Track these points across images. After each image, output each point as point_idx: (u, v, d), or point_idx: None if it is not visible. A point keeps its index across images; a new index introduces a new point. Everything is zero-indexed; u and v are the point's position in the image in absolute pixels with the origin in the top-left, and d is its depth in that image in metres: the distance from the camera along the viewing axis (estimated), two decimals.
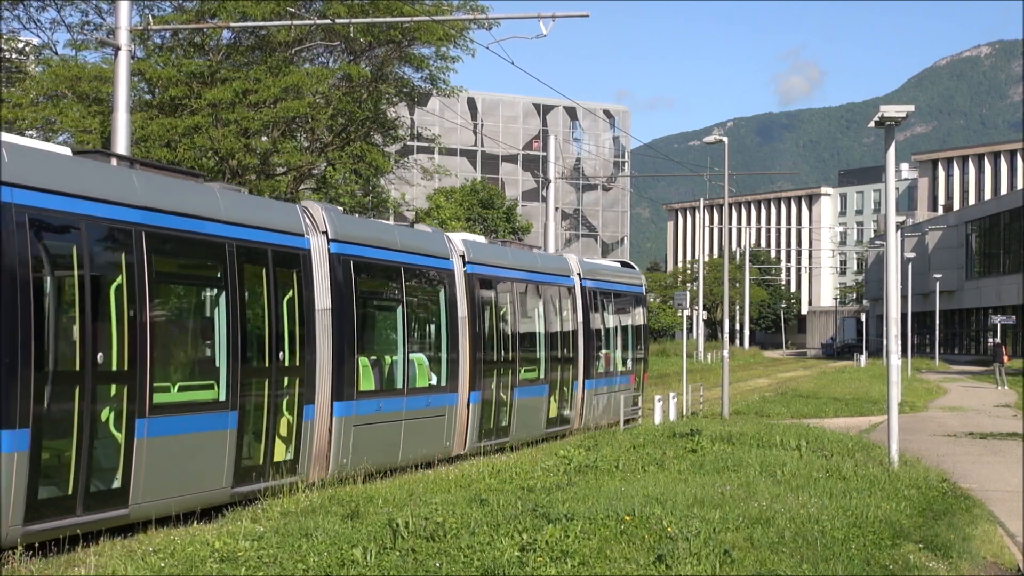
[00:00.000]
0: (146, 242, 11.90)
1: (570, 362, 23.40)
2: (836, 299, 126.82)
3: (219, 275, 13.20)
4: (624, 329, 26.86)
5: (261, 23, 30.23)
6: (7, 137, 10.78)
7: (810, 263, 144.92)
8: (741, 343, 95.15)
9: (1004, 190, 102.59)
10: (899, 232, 56.60)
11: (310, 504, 12.22)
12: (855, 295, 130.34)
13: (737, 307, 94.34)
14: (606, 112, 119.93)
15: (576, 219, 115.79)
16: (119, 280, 11.61)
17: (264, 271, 13.94)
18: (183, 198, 12.77)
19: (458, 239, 19.25)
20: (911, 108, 16.23)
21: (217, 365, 13.11)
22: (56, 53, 34.08)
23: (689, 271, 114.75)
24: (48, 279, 10.73)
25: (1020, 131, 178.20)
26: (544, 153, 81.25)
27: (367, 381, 15.90)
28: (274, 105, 31.11)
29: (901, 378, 33.79)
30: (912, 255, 60.86)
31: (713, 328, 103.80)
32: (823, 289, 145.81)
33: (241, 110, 30.72)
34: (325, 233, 15.23)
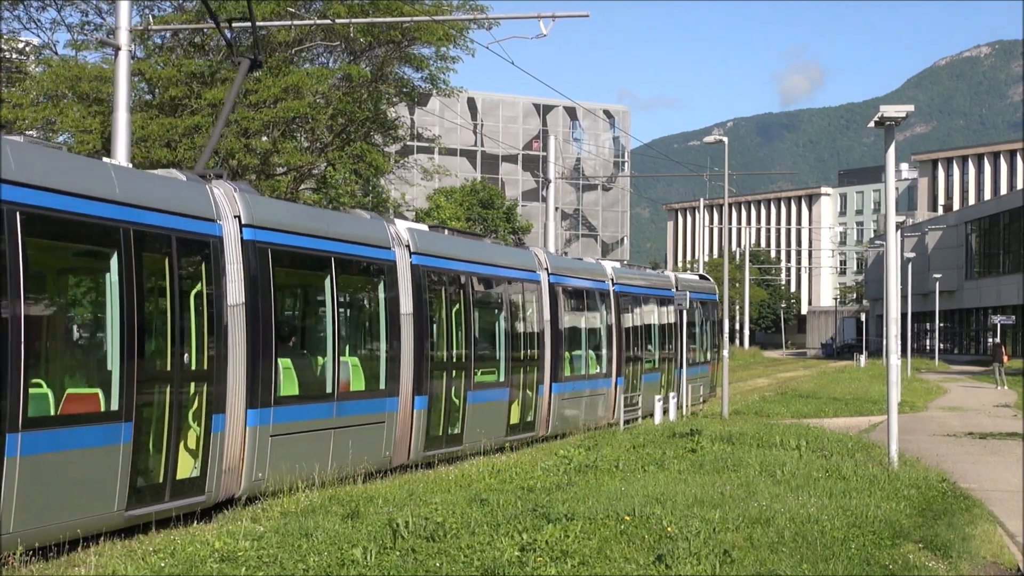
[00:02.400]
0: (20, 224, 10.09)
1: (535, 363, 21.92)
2: (836, 299, 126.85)
3: (112, 265, 11.31)
4: (593, 330, 25.30)
5: (261, 23, 30.23)
6: None
7: (810, 263, 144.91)
8: (741, 343, 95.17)
9: (1004, 190, 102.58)
10: (899, 232, 56.61)
11: (310, 504, 12.22)
12: (855, 295, 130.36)
13: (737, 307, 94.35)
14: (606, 112, 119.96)
15: (576, 219, 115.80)
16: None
17: (167, 261, 12.14)
18: (70, 174, 10.99)
19: (403, 227, 17.59)
20: (911, 108, 16.23)
21: (108, 368, 11.27)
22: (56, 53, 34.09)
23: (689, 271, 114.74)
24: None
25: (1020, 131, 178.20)
26: (544, 153, 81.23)
27: (288, 386, 14.16)
28: (274, 105, 31.11)
29: (901, 378, 33.80)
30: (912, 255, 60.87)
31: None
32: (823, 289, 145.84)
33: (241, 110, 30.73)
34: (238, 217, 13.36)
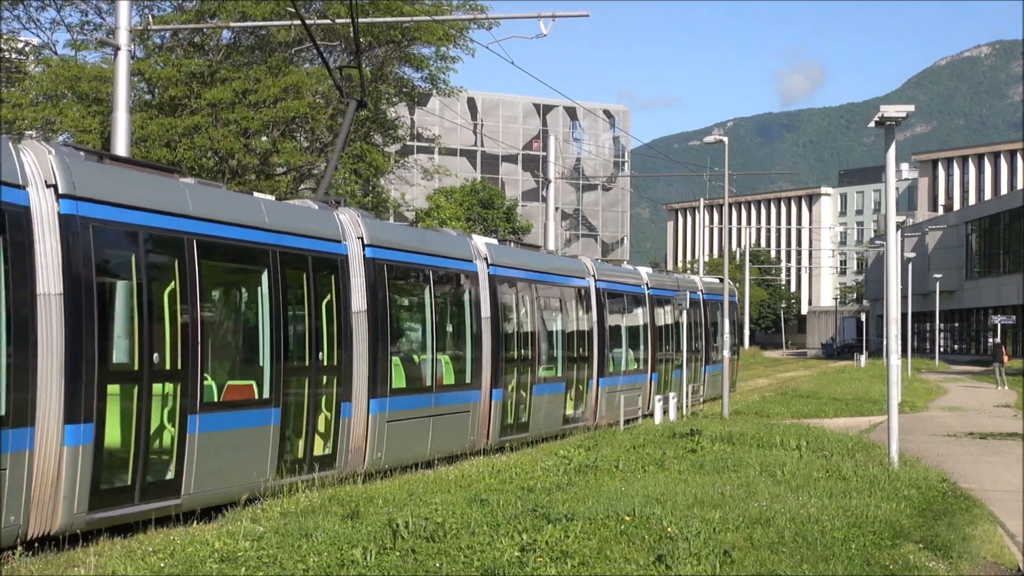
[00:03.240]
0: (197, 250, 12.55)
1: (585, 361, 24.29)
2: (836, 299, 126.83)
3: (263, 280, 13.85)
4: (632, 330, 27.81)
5: (261, 23, 30.25)
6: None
7: (810, 263, 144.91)
8: (741, 343, 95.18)
9: (1004, 190, 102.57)
10: (899, 232, 56.59)
11: (310, 504, 12.22)
12: (855, 295, 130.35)
13: (737, 307, 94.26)
14: (606, 112, 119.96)
15: (576, 219, 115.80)
16: (172, 286, 12.31)
17: (304, 276, 14.56)
18: (233, 209, 13.58)
19: (481, 242, 20.05)
20: (911, 108, 16.23)
21: (261, 364, 13.80)
22: (56, 53, 34.09)
23: (689, 271, 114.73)
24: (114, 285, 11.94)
25: (1020, 131, 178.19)
26: (544, 153, 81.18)
27: (399, 379, 16.63)
28: (274, 105, 31.12)
29: (901, 378, 33.79)
30: (912, 255, 60.86)
31: None
32: (823, 289, 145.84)
33: (241, 110, 30.73)
34: (361, 239, 15.83)
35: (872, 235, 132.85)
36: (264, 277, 13.73)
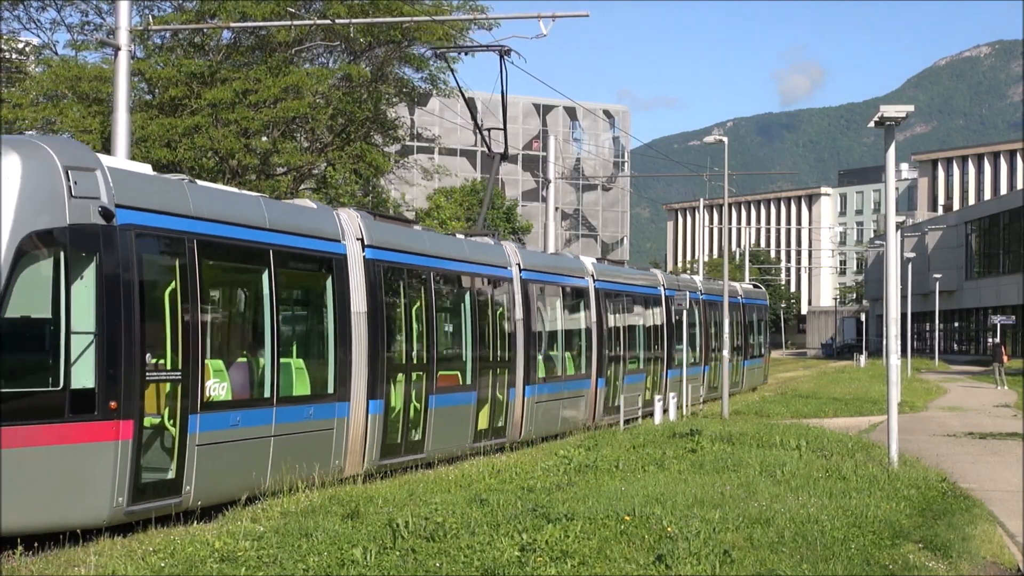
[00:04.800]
0: (433, 278, 17.99)
1: (658, 357, 29.46)
2: (836, 299, 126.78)
3: (465, 299, 19.25)
4: (692, 327, 31.09)
5: (261, 23, 30.24)
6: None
7: (810, 263, 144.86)
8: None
9: (1004, 190, 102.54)
10: (899, 232, 56.58)
11: (310, 504, 12.21)
12: (855, 295, 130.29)
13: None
14: (606, 112, 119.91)
15: (576, 219, 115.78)
16: (419, 304, 17.51)
17: (479, 293, 19.75)
18: (447, 244, 19.26)
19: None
20: (911, 108, 16.23)
21: (463, 359, 18.82)
22: (56, 53, 34.09)
23: (689, 271, 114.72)
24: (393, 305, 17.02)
25: (1020, 131, 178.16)
26: (544, 153, 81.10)
27: (542, 370, 21.77)
28: (274, 105, 31.12)
29: (901, 378, 33.79)
30: (912, 255, 60.83)
31: None
32: (823, 289, 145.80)
33: (241, 110, 30.73)
34: (518, 265, 21.14)
35: (872, 235, 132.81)
36: (467, 298, 19.26)
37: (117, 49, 25.20)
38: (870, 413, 29.40)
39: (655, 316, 29.05)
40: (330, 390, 15.15)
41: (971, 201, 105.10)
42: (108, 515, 11.26)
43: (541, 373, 21.53)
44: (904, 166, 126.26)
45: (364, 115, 34.14)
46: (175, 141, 30.02)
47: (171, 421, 12.25)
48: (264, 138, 33.03)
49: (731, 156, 32.12)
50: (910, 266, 58.68)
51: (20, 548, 10.23)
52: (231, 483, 13.06)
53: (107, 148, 26.95)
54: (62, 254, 11.20)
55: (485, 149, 26.37)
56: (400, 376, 16.70)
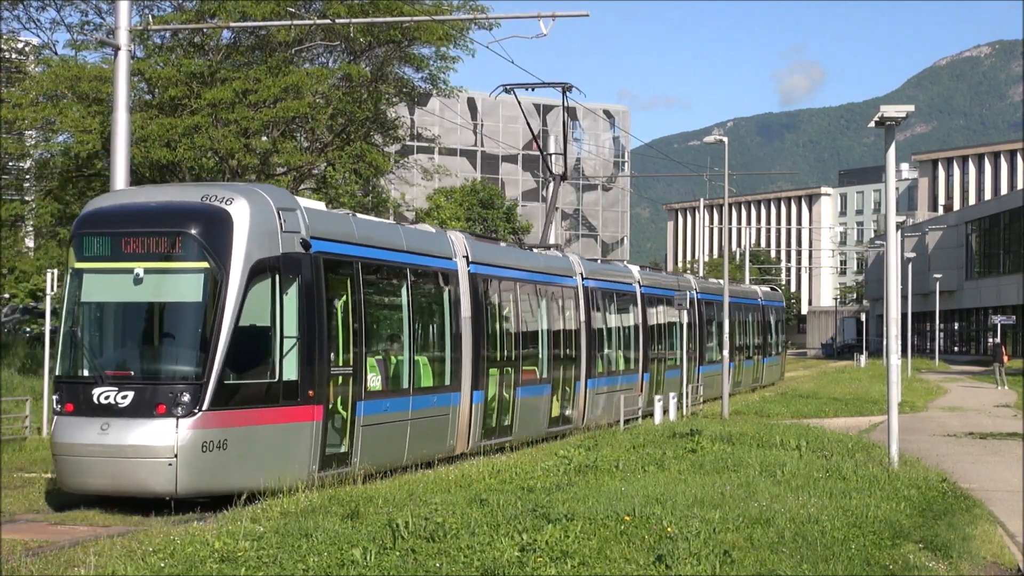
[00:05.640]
0: (519, 288, 21.42)
1: (691, 352, 32.09)
2: (836, 299, 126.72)
3: (541, 304, 22.49)
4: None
5: (261, 23, 30.21)
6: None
7: (810, 263, 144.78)
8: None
9: (1004, 190, 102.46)
10: (899, 232, 56.53)
11: (310, 504, 12.21)
12: (855, 295, 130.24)
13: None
14: (606, 112, 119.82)
15: (576, 219, 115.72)
16: (508, 310, 21.00)
17: (559, 300, 23.36)
18: (547, 261, 23.46)
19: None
20: (911, 108, 16.22)
21: (540, 356, 22.08)
22: (56, 53, 34.07)
23: (689, 271, 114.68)
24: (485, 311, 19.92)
25: (1020, 131, 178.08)
26: (545, 153, 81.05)
27: (600, 366, 24.90)
28: (274, 105, 31.08)
29: (901, 378, 33.77)
30: (912, 255, 60.81)
31: None
32: (823, 289, 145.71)
33: (241, 110, 30.70)
34: (580, 274, 24.60)
35: (872, 235, 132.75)
36: (543, 303, 22.44)
37: (117, 49, 25.16)
38: (870, 413, 29.40)
39: (687, 317, 31.05)
40: (447, 382, 18.48)
41: (971, 201, 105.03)
42: (306, 479, 14.09)
43: (599, 368, 25.06)
44: (904, 166, 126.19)
45: (364, 115, 34.10)
46: (175, 141, 29.99)
47: (344, 407, 15.43)
48: (264, 138, 33.00)
49: (731, 156, 32.12)
50: (910, 266, 58.66)
51: (20, 551, 10.22)
52: (382, 457, 16.26)
53: (107, 148, 26.93)
54: (277, 276, 14.30)
55: (546, 173, 29.30)
56: (494, 371, 20.10)
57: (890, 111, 16.10)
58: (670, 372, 30.49)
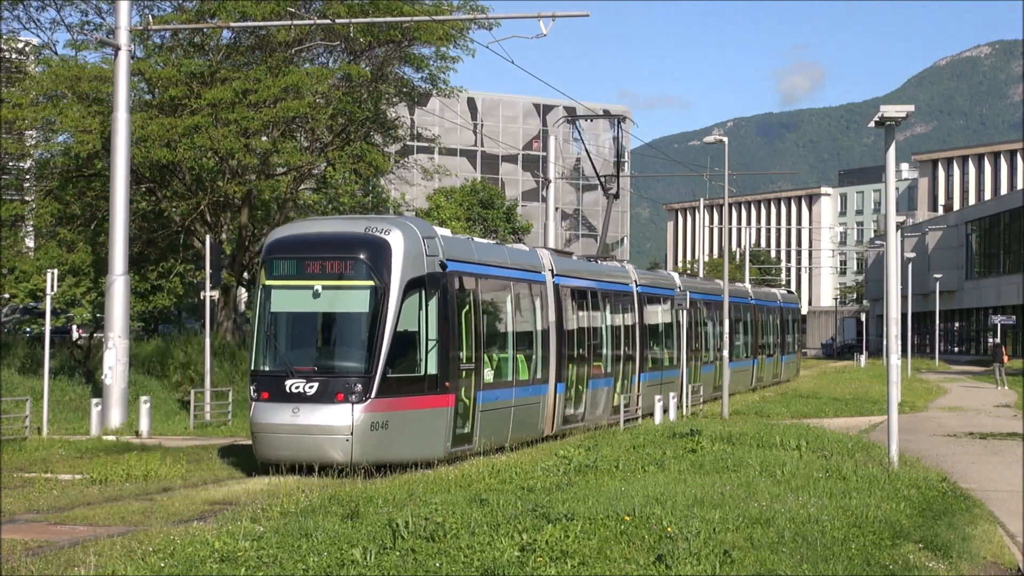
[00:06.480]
0: (599, 295, 25.65)
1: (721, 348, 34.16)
2: (836, 299, 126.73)
3: (606, 308, 25.97)
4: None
5: (261, 23, 30.21)
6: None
7: (810, 263, 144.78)
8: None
9: (1004, 190, 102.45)
10: (899, 232, 56.52)
11: (310, 504, 12.21)
12: (855, 295, 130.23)
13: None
14: (606, 112, 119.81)
15: (576, 219, 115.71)
16: (584, 313, 24.52)
17: (619, 305, 26.97)
18: (609, 271, 27.35)
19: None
20: (911, 108, 16.21)
21: (604, 354, 25.71)
22: (56, 53, 34.08)
23: (689, 271, 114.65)
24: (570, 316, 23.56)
25: (1020, 131, 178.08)
26: (544, 153, 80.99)
27: (650, 363, 28.59)
28: (274, 105, 31.08)
29: (901, 378, 33.78)
30: (912, 255, 60.77)
31: None
32: (823, 289, 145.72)
33: (241, 110, 30.70)
34: (635, 281, 28.35)
35: (872, 235, 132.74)
36: (607, 308, 26.00)
37: (117, 49, 25.12)
38: (870, 413, 29.39)
39: (718, 318, 34.43)
40: (538, 376, 22.07)
41: (971, 201, 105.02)
42: (442, 454, 17.79)
43: (649, 364, 28.62)
44: (904, 166, 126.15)
45: (364, 115, 34.10)
46: (175, 141, 30.00)
47: (468, 396, 18.88)
48: (264, 138, 33.00)
49: (731, 156, 32.12)
50: (910, 266, 58.65)
51: (20, 551, 10.21)
52: (494, 438, 19.57)
53: (107, 148, 26.94)
54: (423, 291, 17.76)
55: (604, 192, 32.78)
56: (571, 366, 23.48)
57: (890, 111, 16.09)
58: (705, 368, 34.21)
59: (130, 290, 25.75)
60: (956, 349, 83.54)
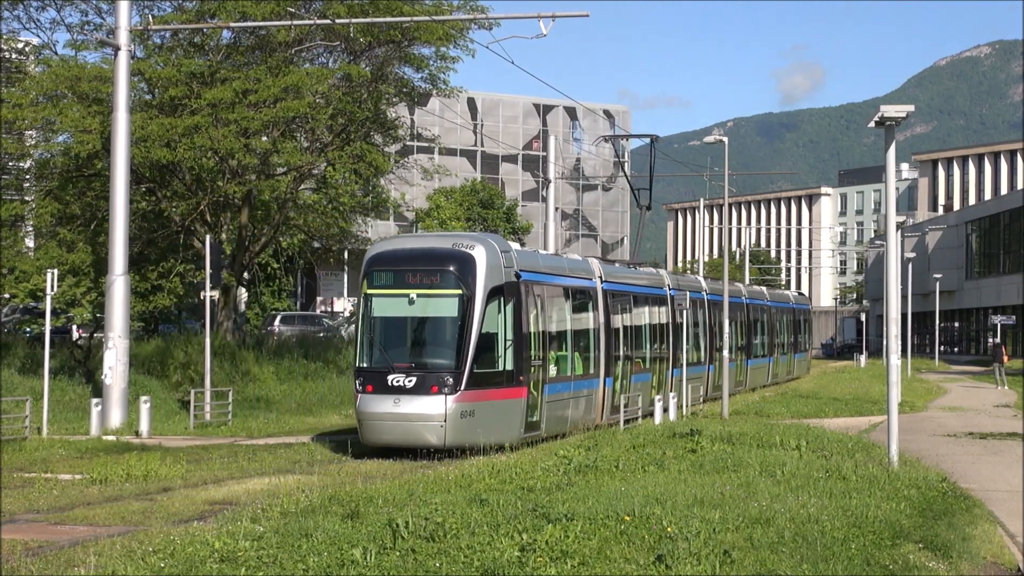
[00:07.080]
0: (633, 300, 28.05)
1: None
2: (836, 299, 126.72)
3: (644, 311, 28.92)
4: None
5: (261, 23, 30.20)
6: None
7: (810, 263, 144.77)
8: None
9: (1004, 190, 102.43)
10: (899, 232, 56.52)
11: (310, 504, 12.20)
12: (855, 295, 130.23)
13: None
14: (606, 112, 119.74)
15: (576, 219, 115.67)
16: (627, 316, 27.29)
17: (656, 307, 29.86)
18: (641, 276, 29.68)
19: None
20: (911, 108, 16.21)
21: (644, 351, 28.55)
22: (56, 53, 34.07)
23: (689, 271, 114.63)
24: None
25: (1020, 131, 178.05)
26: (544, 153, 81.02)
27: (682, 359, 30.00)
28: (274, 105, 31.07)
29: (901, 378, 33.76)
30: (912, 255, 60.75)
31: None
32: (823, 289, 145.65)
33: (241, 110, 30.69)
34: (669, 285, 31.32)
35: (872, 235, 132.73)
36: (646, 310, 29.00)
37: (117, 49, 25.12)
38: (870, 413, 29.39)
39: (739, 319, 37.70)
40: (591, 371, 24.68)
41: (971, 201, 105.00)
42: (517, 439, 20.42)
43: (682, 360, 30.14)
44: (904, 166, 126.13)
45: (364, 115, 34.08)
46: (175, 141, 29.99)
47: (536, 389, 21.52)
48: (264, 138, 32.99)
49: (731, 156, 32.12)
50: (910, 266, 58.64)
51: (20, 551, 10.21)
52: (557, 426, 22.46)
53: (107, 148, 26.93)
54: (501, 298, 20.44)
55: (636, 204, 35.37)
56: (617, 363, 26.11)
57: (890, 111, 16.09)
58: (729, 364, 35.84)
59: (130, 290, 25.76)
60: (956, 349, 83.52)
